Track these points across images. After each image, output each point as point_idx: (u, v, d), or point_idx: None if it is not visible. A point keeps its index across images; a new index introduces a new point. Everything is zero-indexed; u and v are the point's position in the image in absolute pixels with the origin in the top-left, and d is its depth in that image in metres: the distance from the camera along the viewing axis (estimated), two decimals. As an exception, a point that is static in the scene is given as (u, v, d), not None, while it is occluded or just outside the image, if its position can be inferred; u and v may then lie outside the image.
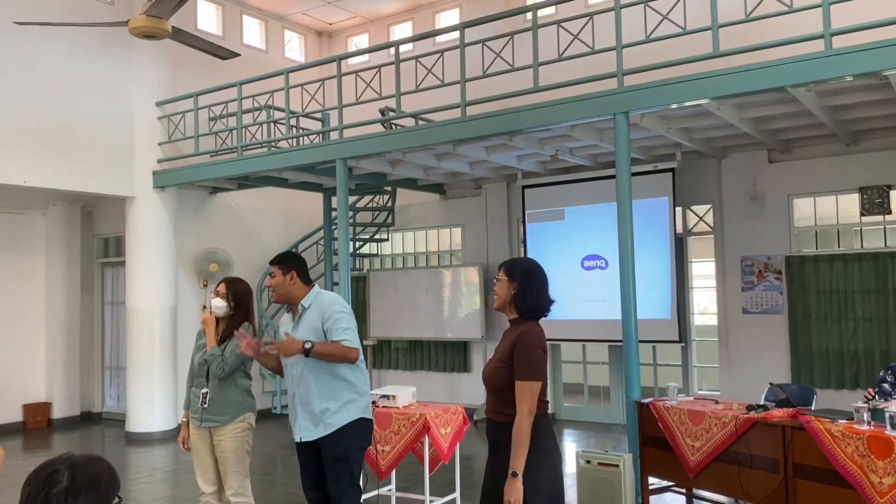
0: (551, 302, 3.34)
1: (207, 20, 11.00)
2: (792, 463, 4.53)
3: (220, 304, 4.45)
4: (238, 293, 4.50)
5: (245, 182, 10.13)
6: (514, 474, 3.05)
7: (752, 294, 8.52)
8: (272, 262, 4.17)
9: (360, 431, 3.99)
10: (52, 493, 1.65)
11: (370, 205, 11.24)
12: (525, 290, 3.27)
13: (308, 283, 4.14)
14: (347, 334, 3.93)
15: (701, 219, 9.11)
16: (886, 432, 4.04)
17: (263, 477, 7.33)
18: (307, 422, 3.95)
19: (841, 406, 4.82)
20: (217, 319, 4.49)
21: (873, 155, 7.89)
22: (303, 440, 3.98)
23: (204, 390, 4.42)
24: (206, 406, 4.41)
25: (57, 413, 10.54)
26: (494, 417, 3.29)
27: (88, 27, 7.95)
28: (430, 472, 5.50)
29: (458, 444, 5.80)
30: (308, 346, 3.82)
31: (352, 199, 10.59)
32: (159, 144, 9.80)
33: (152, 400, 9.52)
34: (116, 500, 1.74)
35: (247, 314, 4.54)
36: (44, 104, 8.75)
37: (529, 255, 9.71)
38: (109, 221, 10.98)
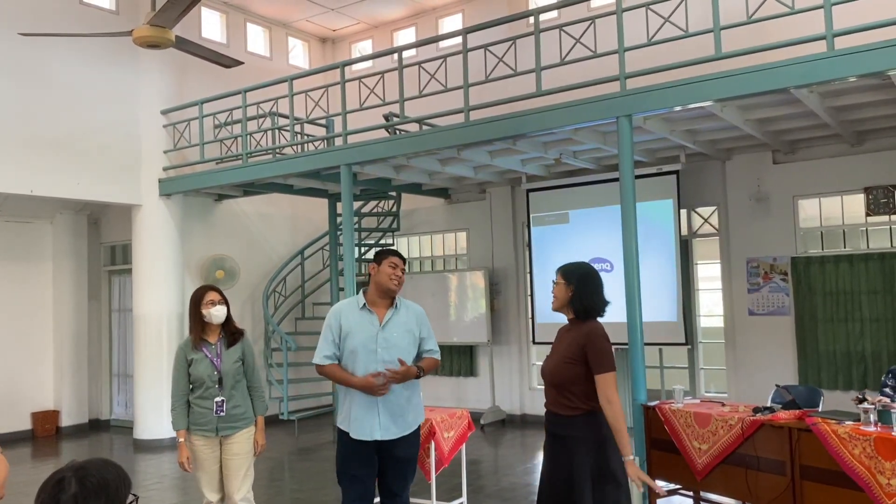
0: (606, 303, 3.63)
1: (211, 28, 11.05)
2: (799, 465, 4.52)
3: (224, 311, 4.54)
4: (225, 298, 4.61)
5: (250, 189, 10.17)
6: (631, 458, 3.38)
7: (758, 295, 8.50)
8: (402, 256, 4.13)
9: (420, 433, 4.22)
10: (61, 499, 1.67)
11: (375, 210, 11.27)
12: (581, 292, 3.56)
13: None
14: (436, 343, 4.20)
15: (706, 220, 9.10)
16: (893, 434, 4.03)
17: (271, 483, 7.35)
18: (388, 421, 3.94)
19: (848, 408, 4.80)
20: (204, 328, 4.54)
21: (878, 155, 7.87)
22: (383, 438, 3.93)
23: (218, 399, 4.44)
24: (222, 414, 4.44)
25: (65, 421, 10.59)
26: (557, 410, 3.54)
27: (94, 37, 8.00)
28: (434, 476, 5.51)
29: (462, 448, 5.81)
30: (420, 373, 4.02)
31: (357, 204, 10.62)
32: (165, 152, 9.86)
33: (160, 407, 9.50)
34: (132, 498, 1.76)
35: (232, 317, 4.69)
36: (50, 113, 8.81)
37: (534, 259, 9.75)
38: (116, 229, 11.04)
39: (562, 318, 3.79)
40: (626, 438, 3.41)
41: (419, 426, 4.12)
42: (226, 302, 4.58)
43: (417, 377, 4.02)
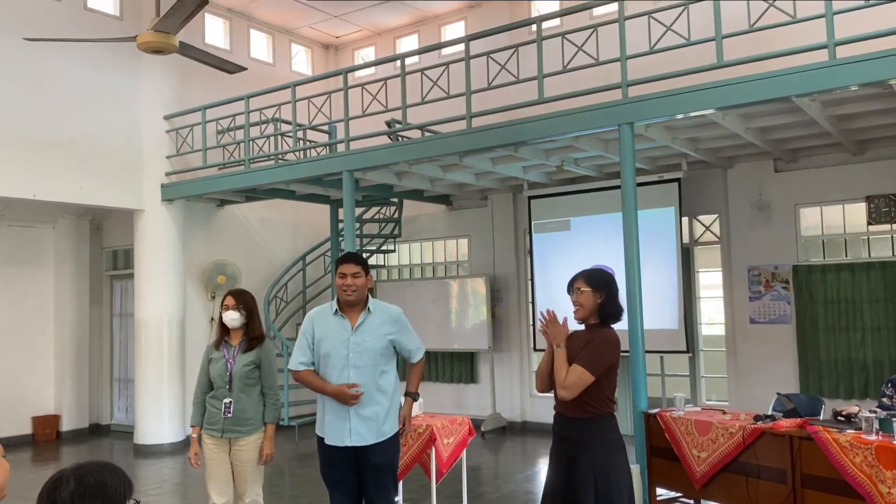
0: (622, 309, 3.66)
1: (215, 34, 11.09)
2: (800, 473, 4.52)
3: (235, 317, 4.59)
4: (248, 303, 4.65)
5: (252, 194, 10.19)
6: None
7: (759, 304, 8.49)
8: (353, 261, 4.03)
9: (399, 440, 4.13)
10: (58, 497, 1.67)
11: (377, 216, 11.28)
12: (610, 299, 3.58)
13: None
14: (420, 341, 4.16)
15: (707, 228, 9.10)
16: (894, 442, 4.03)
17: (271, 489, 7.33)
18: (361, 427, 3.89)
19: (849, 416, 4.79)
20: (229, 330, 4.64)
21: (880, 164, 7.88)
22: (354, 445, 3.90)
23: (227, 400, 4.49)
24: (229, 416, 4.49)
25: (66, 425, 10.58)
26: (567, 412, 3.54)
27: (98, 42, 8.03)
28: (436, 483, 5.50)
29: (463, 455, 5.80)
30: (416, 398, 4.16)
31: (358, 210, 10.62)
32: (167, 157, 9.88)
33: (161, 411, 9.54)
34: (133, 503, 1.76)
35: (260, 323, 4.71)
36: (53, 118, 8.83)
37: (536, 266, 9.75)
38: (118, 234, 11.06)
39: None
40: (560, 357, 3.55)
41: (395, 434, 4.04)
42: (244, 308, 4.60)
43: (416, 399, 4.10)
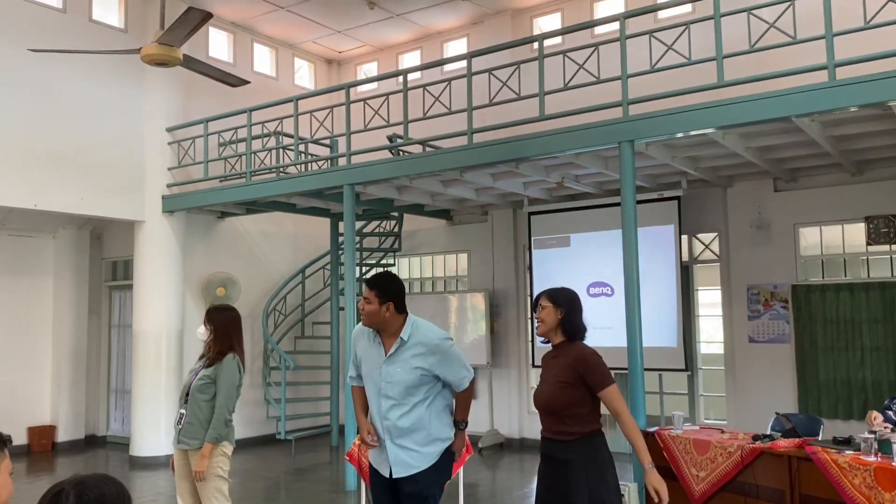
0: (585, 326, 3.64)
1: (219, 48, 11.15)
2: (799, 494, 4.50)
3: (201, 331, 4.73)
4: (213, 320, 4.67)
5: (253, 207, 10.21)
6: (649, 466, 3.43)
7: (758, 323, 8.49)
8: (369, 284, 3.68)
9: (439, 471, 3.76)
10: None
11: (377, 230, 11.29)
12: (571, 315, 3.57)
13: (403, 311, 3.71)
14: (466, 369, 3.75)
15: (707, 247, 9.11)
16: (894, 464, 4.02)
17: (266, 503, 7.29)
18: (395, 459, 3.66)
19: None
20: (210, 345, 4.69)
21: (879, 184, 7.90)
22: (383, 474, 3.67)
23: (181, 410, 4.59)
24: (180, 427, 4.55)
25: (62, 436, 10.53)
26: (556, 437, 3.54)
27: (101, 54, 8.07)
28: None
29: (460, 472, 5.78)
30: (463, 426, 3.80)
31: (359, 224, 10.64)
32: (169, 169, 9.90)
33: (157, 423, 9.49)
34: None
35: (228, 341, 4.63)
36: (56, 128, 8.86)
37: (535, 282, 9.75)
38: (118, 245, 11.06)
39: None
40: (643, 446, 3.45)
41: (432, 466, 3.67)
42: (209, 323, 4.65)
43: (462, 428, 3.80)
